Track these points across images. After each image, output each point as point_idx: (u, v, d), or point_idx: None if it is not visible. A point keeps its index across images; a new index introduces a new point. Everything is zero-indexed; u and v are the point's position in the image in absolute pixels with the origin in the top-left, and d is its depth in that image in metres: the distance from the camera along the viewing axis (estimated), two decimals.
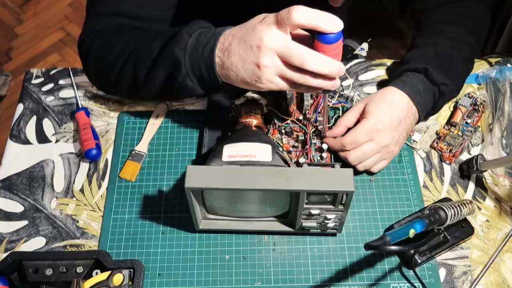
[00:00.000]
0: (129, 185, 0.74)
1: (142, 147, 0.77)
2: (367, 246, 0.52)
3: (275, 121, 0.75)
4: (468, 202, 0.65)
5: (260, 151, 0.62)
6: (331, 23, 0.53)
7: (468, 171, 0.73)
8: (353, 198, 0.58)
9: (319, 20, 0.53)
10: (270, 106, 0.74)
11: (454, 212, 0.60)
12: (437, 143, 0.77)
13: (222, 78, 0.61)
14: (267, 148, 0.63)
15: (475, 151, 0.77)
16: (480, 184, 0.74)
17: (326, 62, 0.55)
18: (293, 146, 0.75)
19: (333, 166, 0.60)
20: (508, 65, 0.85)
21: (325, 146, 0.73)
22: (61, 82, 0.86)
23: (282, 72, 0.57)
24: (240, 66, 0.58)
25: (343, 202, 0.60)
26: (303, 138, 0.74)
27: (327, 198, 0.60)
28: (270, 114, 0.74)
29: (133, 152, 0.77)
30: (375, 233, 0.69)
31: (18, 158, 0.78)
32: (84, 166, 0.77)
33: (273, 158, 0.62)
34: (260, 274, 0.67)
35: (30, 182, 0.75)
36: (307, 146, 0.73)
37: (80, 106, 0.82)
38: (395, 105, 0.71)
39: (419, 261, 0.66)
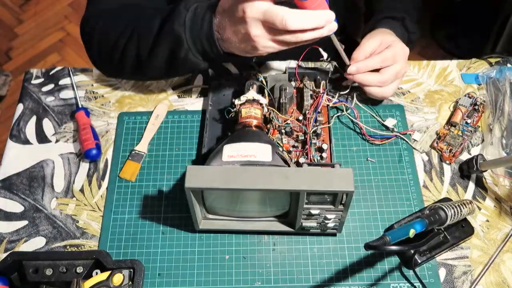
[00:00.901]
0: (129, 185, 0.74)
1: (142, 147, 0.77)
2: (367, 246, 0.52)
3: (275, 121, 0.75)
4: (468, 202, 0.65)
5: (260, 151, 0.62)
6: None
7: (468, 171, 0.73)
8: (353, 198, 0.58)
9: None
10: (270, 106, 0.74)
11: (454, 212, 0.60)
12: (437, 143, 0.77)
13: (224, 49, 0.63)
14: (267, 148, 0.62)
15: (475, 151, 0.77)
16: (480, 184, 0.74)
17: (307, 18, 0.54)
18: (293, 146, 0.75)
19: (333, 166, 0.60)
20: (508, 65, 0.85)
21: (325, 146, 0.73)
22: (61, 82, 0.86)
23: (273, 37, 0.57)
24: (235, 39, 0.59)
25: (343, 202, 0.60)
26: (303, 138, 0.74)
27: (327, 198, 0.60)
28: (270, 114, 0.74)
29: (133, 152, 0.77)
30: (375, 233, 0.69)
31: (18, 158, 0.78)
32: (84, 166, 0.77)
33: (273, 158, 0.61)
34: (260, 274, 0.67)
35: (30, 182, 0.75)
36: (307, 146, 0.73)
37: (80, 106, 0.82)
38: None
39: (419, 261, 0.66)
